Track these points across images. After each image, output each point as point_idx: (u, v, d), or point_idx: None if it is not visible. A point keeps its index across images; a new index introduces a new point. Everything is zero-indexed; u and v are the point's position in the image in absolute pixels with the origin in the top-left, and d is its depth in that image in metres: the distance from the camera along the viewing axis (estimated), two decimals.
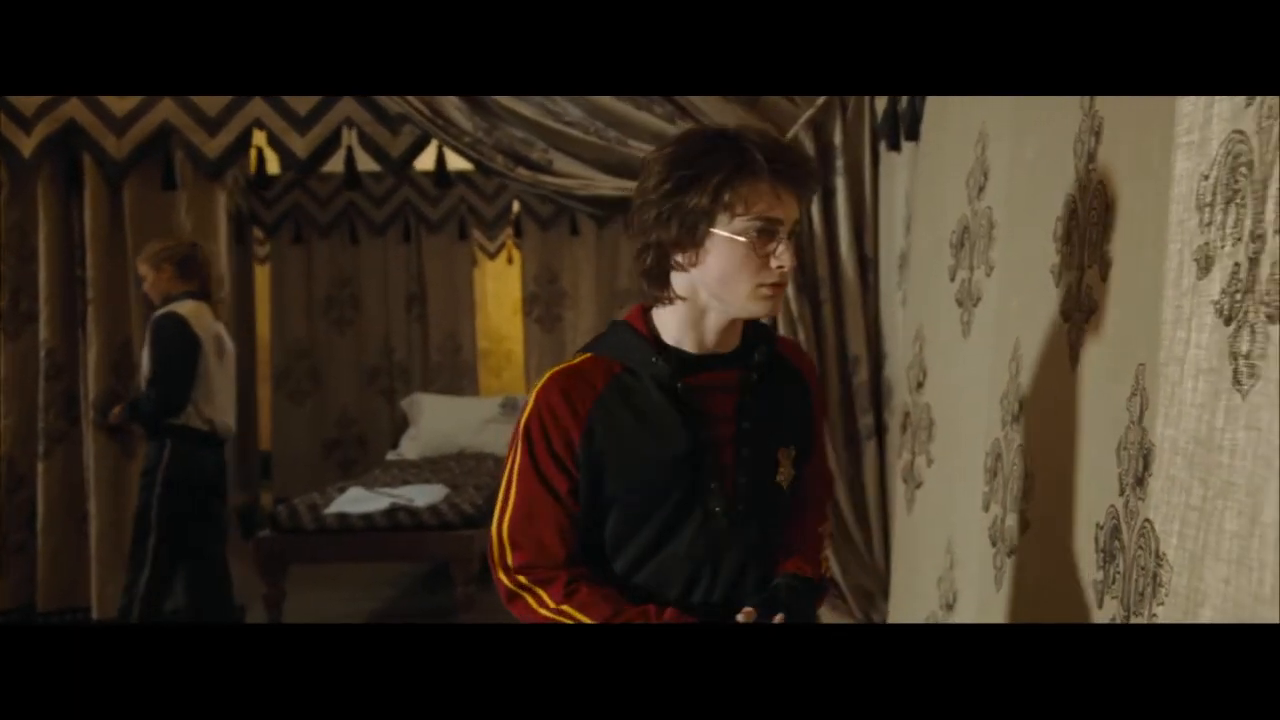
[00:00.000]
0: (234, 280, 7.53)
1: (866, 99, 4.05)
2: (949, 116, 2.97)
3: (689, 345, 1.76)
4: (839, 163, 4.10)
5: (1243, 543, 1.26)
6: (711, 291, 1.70)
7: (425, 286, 8.19)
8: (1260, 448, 1.20)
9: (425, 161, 5.24)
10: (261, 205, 7.85)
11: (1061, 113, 2.04)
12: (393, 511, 5.04)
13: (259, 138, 4.71)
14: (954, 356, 2.83)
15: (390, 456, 7.12)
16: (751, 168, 1.63)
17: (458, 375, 8.18)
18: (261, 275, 8.21)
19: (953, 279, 2.82)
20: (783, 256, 1.66)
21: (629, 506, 1.73)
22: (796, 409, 1.87)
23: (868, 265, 4.14)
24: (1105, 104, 1.84)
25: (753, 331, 1.82)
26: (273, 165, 5.26)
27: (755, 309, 1.71)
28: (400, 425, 7.66)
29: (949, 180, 2.86)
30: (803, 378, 1.90)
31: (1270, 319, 1.18)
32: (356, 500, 5.20)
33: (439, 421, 7.12)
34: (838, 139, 4.09)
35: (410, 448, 7.06)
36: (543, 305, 8.13)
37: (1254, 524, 1.23)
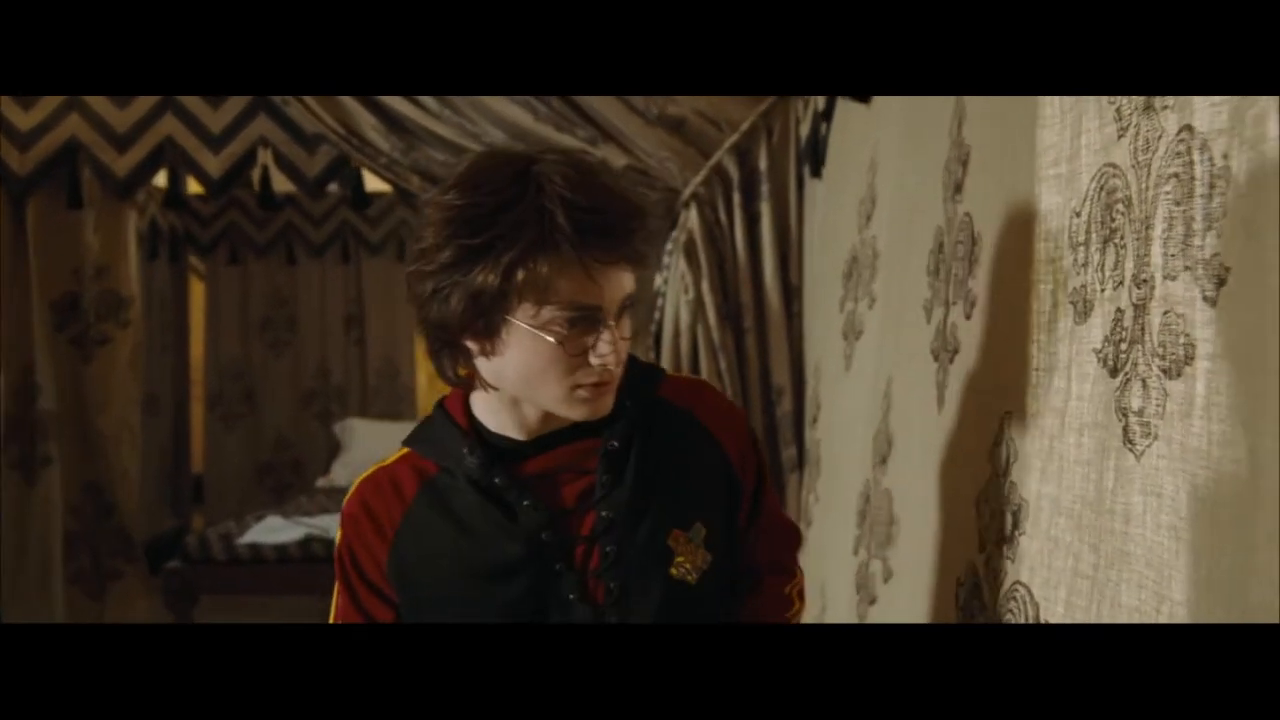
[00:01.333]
0: (166, 300, 7.42)
1: (792, 124, 3.96)
2: (849, 141, 2.87)
3: (513, 430, 1.40)
4: (764, 188, 4.00)
5: (1145, 619, 1.13)
6: (515, 390, 1.35)
7: (364, 309, 8.04)
8: (1164, 515, 1.07)
9: (370, 183, 5.08)
10: (196, 224, 7.67)
11: (934, 140, 1.93)
12: (307, 542, 4.87)
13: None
14: (839, 392, 2.72)
15: (320, 483, 6.95)
16: (553, 241, 1.23)
17: (396, 399, 8.02)
18: (196, 295, 8.03)
19: (842, 310, 2.70)
20: (604, 352, 1.28)
21: None
22: (700, 474, 1.46)
23: (792, 293, 4.04)
24: (973, 132, 1.72)
25: (627, 379, 1.40)
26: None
27: (571, 413, 1.35)
28: (336, 450, 7.49)
29: (845, 208, 2.75)
30: (709, 432, 1.48)
31: (1167, 373, 1.05)
32: (272, 530, 5.03)
33: (372, 447, 6.94)
34: (763, 165, 3.99)
35: (342, 474, 6.88)
36: None
37: (1161, 600, 1.10)
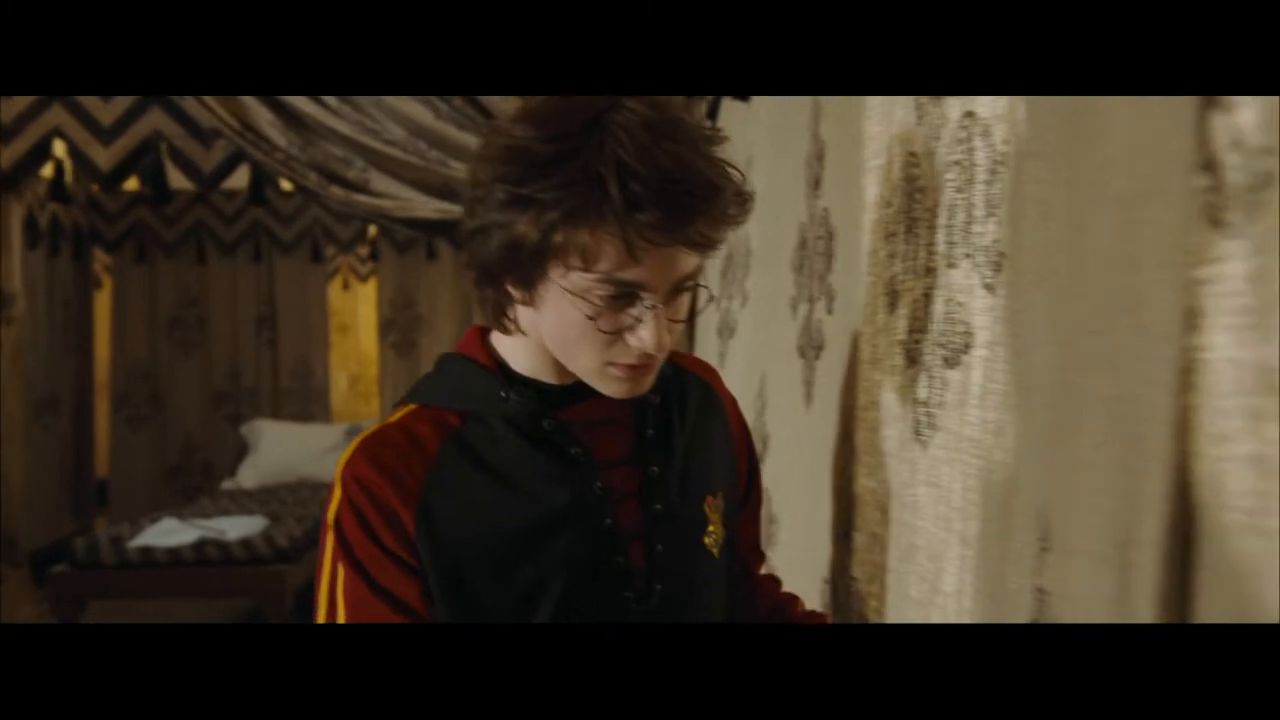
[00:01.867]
0: (70, 298, 7.23)
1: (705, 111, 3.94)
2: (734, 136, 2.85)
3: (548, 375, 1.25)
4: None
5: (924, 613, 1.12)
6: (550, 348, 1.21)
7: (276, 309, 7.90)
8: (940, 507, 1.06)
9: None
10: (102, 220, 7.49)
11: (799, 136, 1.91)
12: (201, 545, 4.75)
13: (59, 148, 4.42)
14: None
15: (226, 485, 6.82)
16: (598, 211, 1.07)
17: (309, 401, 7.89)
18: (102, 293, 7.85)
19: (718, 308, 2.68)
20: (645, 337, 1.13)
21: (500, 603, 1.22)
22: (718, 446, 1.37)
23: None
24: (828, 128, 1.71)
25: None
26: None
27: (603, 388, 1.20)
28: (243, 452, 7.35)
29: None
30: (722, 405, 1.41)
31: (947, 363, 1.04)
32: (166, 533, 4.90)
33: (279, 449, 6.84)
34: None
35: (248, 476, 6.76)
36: (399, 330, 7.92)
37: (935, 593, 1.08)
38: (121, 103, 4.34)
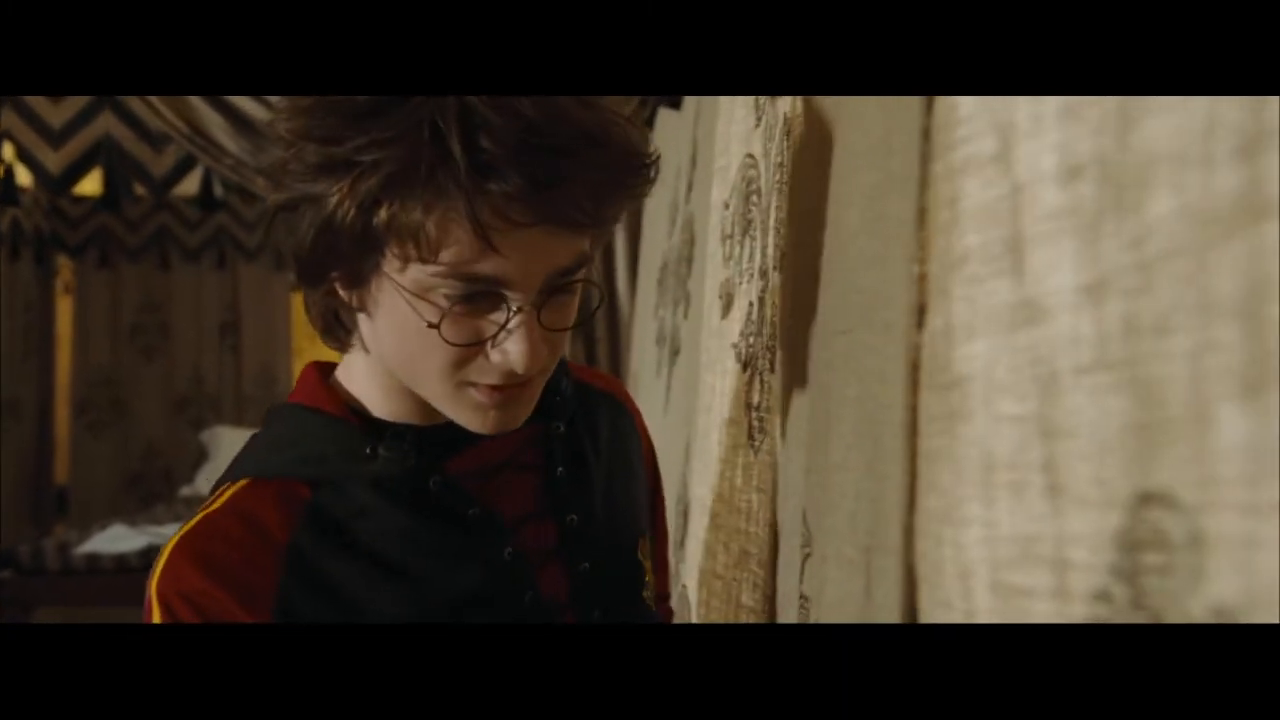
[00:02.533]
0: (31, 303, 7.19)
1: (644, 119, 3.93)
2: (665, 148, 2.86)
3: (411, 414, 0.95)
4: None
5: (758, 619, 1.12)
6: (394, 368, 0.91)
7: (240, 316, 7.88)
8: (764, 512, 1.06)
9: None
10: (65, 226, 7.45)
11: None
12: (148, 551, 4.73)
13: (7, 151, 4.41)
14: (652, 398, 2.70)
15: (184, 491, 6.79)
16: (434, 177, 0.77)
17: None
18: (64, 299, 7.81)
19: (655, 317, 2.69)
20: (511, 348, 0.83)
21: None
22: (637, 472, 1.11)
23: None
24: (701, 129, 1.72)
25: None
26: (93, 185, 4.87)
27: (460, 418, 0.90)
28: (203, 458, 7.31)
29: (659, 215, 2.74)
30: (634, 422, 1.14)
31: (771, 367, 1.04)
32: (114, 539, 4.88)
33: None
34: None
35: (206, 483, 6.72)
36: None
37: (765, 600, 1.08)
38: (71, 105, 4.32)
